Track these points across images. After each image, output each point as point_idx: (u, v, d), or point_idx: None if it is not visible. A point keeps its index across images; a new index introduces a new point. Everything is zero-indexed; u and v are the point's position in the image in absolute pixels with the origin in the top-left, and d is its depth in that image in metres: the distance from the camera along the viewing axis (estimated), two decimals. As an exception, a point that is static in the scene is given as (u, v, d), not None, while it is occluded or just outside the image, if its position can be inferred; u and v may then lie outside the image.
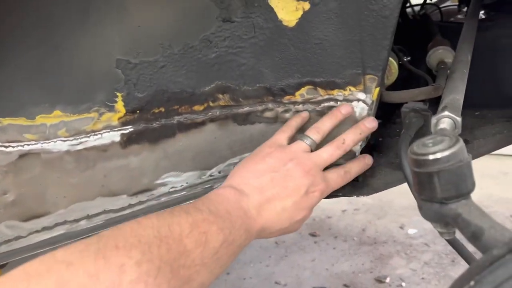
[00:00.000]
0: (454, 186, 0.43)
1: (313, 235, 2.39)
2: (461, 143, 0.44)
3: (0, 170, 0.65)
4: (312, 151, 0.71)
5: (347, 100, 0.73)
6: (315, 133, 0.71)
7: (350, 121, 0.74)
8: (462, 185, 0.44)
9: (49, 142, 0.67)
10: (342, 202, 2.64)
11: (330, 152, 0.70)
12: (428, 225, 2.48)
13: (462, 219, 0.42)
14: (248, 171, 0.66)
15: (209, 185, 0.80)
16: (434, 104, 0.76)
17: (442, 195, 0.44)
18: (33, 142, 0.66)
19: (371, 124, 0.73)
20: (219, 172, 0.80)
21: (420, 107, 0.71)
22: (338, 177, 0.71)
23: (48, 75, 0.65)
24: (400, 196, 2.58)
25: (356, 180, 0.82)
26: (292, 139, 0.73)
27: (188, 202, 0.79)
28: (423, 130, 0.72)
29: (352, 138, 0.72)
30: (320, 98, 0.74)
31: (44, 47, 0.64)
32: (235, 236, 0.56)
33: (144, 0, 0.68)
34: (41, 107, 0.66)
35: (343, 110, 0.73)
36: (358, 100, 0.73)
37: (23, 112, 0.65)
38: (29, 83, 0.64)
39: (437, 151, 0.44)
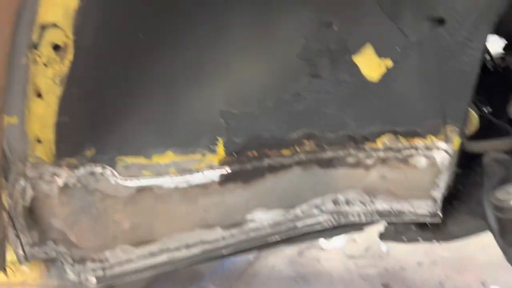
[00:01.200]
0: (539, 232, 0.46)
1: (385, 286, 2.31)
2: (544, 191, 0.47)
3: (121, 201, 0.78)
4: None
5: (428, 149, 0.78)
6: None
7: (432, 170, 0.78)
8: (547, 231, 0.46)
9: (162, 179, 0.79)
10: (417, 252, 2.53)
11: None
12: (514, 283, 2.26)
13: (548, 263, 0.44)
14: None
15: (292, 224, 0.87)
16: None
17: (527, 240, 0.47)
18: (149, 178, 0.78)
19: None
20: (302, 212, 0.87)
21: (503, 158, 0.74)
22: None
23: (165, 122, 0.78)
24: (482, 251, 2.42)
25: (436, 226, 0.85)
26: None
27: (275, 238, 0.87)
28: (506, 180, 0.73)
29: None
30: (401, 146, 0.80)
31: (163, 99, 0.77)
32: None
33: (246, 60, 0.79)
34: (157, 148, 0.78)
35: None
36: (439, 149, 0.77)
37: (143, 152, 0.78)
38: (149, 129, 0.77)
39: (520, 198, 0.47)
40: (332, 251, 2.66)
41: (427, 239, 0.84)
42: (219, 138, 0.81)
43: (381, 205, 0.85)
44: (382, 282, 2.35)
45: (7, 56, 0.63)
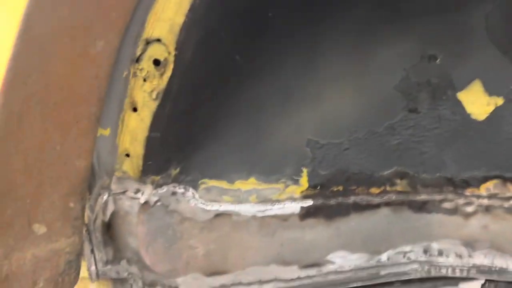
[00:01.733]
0: None
1: None
2: None
3: (198, 226, 0.74)
4: None
5: (543, 199, 0.69)
6: None
7: None
8: None
9: (241, 206, 0.75)
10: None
11: None
12: None
13: None
14: None
15: (375, 271, 0.79)
16: None
17: None
18: (229, 204, 0.75)
19: None
20: (388, 259, 0.79)
21: None
22: None
23: (250, 149, 0.75)
24: None
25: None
26: None
27: (353, 285, 0.79)
28: None
29: None
30: (509, 194, 0.71)
31: (250, 127, 0.75)
32: None
33: (338, 90, 0.76)
34: (240, 174, 0.75)
35: None
36: (557, 200, 0.67)
37: (225, 176, 0.75)
38: (234, 154, 0.75)
39: None
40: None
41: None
42: (303, 169, 0.76)
43: (481, 259, 0.75)
44: None
45: (110, 68, 0.64)
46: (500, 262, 0.74)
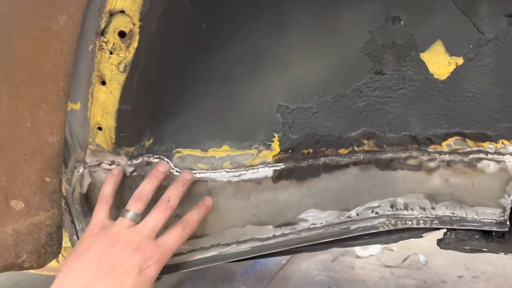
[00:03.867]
0: None
1: (425, 298, 2.23)
2: None
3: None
4: (138, 222, 0.68)
5: (498, 153, 0.73)
6: (135, 203, 0.68)
7: (502, 176, 0.73)
8: None
9: (216, 172, 0.78)
10: (458, 266, 2.44)
11: (156, 218, 0.67)
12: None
13: None
14: (69, 271, 0.63)
15: (346, 226, 0.84)
16: None
17: None
18: (204, 171, 0.77)
19: (189, 176, 0.74)
20: (357, 214, 0.83)
21: None
22: (175, 237, 0.68)
23: (222, 116, 0.77)
24: (529, 268, 2.31)
25: (501, 236, 0.80)
26: (114, 209, 0.70)
27: (324, 240, 0.84)
28: None
29: (175, 193, 0.70)
30: (468, 150, 0.75)
31: (221, 94, 0.76)
32: None
33: (305, 54, 0.77)
34: (213, 142, 0.77)
35: (161, 168, 0.72)
36: (511, 154, 0.72)
37: (199, 145, 0.77)
38: (206, 122, 0.76)
39: None
40: (368, 259, 2.60)
41: (492, 250, 0.79)
42: (275, 134, 0.79)
43: (443, 211, 0.80)
44: (421, 294, 2.27)
45: (75, 42, 0.64)
46: (459, 212, 0.79)
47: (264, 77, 0.77)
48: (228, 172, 0.78)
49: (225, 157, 0.78)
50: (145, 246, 0.65)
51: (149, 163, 0.75)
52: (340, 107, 0.79)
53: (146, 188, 0.70)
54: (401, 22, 0.73)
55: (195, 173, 0.77)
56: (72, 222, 0.77)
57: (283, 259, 2.68)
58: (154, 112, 0.73)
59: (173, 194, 0.70)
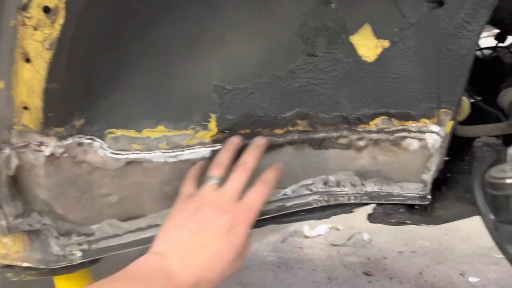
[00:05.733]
0: (531, 209, 0.47)
1: (367, 274, 2.35)
2: (538, 170, 0.48)
3: (109, 174, 0.76)
4: (220, 187, 0.71)
5: (420, 132, 0.78)
6: (216, 169, 0.72)
7: (424, 153, 0.78)
8: (540, 209, 0.47)
9: (151, 153, 0.77)
10: (398, 242, 2.58)
11: (236, 180, 0.70)
12: (491, 274, 2.35)
13: (539, 240, 0.45)
14: (166, 233, 0.67)
15: (282, 203, 0.87)
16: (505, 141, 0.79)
17: (519, 217, 0.47)
18: (138, 152, 0.77)
19: (262, 140, 0.78)
20: (292, 192, 0.86)
21: (494, 142, 0.74)
22: (257, 194, 0.71)
23: (157, 96, 0.76)
24: (461, 242, 2.49)
25: (424, 209, 0.85)
26: (200, 182, 0.74)
27: (262, 217, 0.86)
28: (496, 164, 0.74)
29: (251, 156, 0.75)
30: (394, 129, 0.80)
31: (157, 72, 0.75)
32: None
33: (241, 36, 0.78)
34: (148, 122, 0.76)
35: (235, 140, 0.78)
36: (432, 132, 0.77)
37: (133, 125, 0.76)
38: (141, 101, 0.75)
39: (515, 175, 0.48)
40: (315, 239, 2.69)
41: (415, 222, 0.85)
42: (211, 114, 0.79)
43: (371, 187, 0.85)
44: (364, 270, 2.38)
45: (-5, 16, 0.61)
46: (386, 188, 0.84)
47: (201, 57, 0.77)
48: (164, 152, 0.78)
49: (161, 137, 0.77)
50: (230, 207, 0.68)
51: (80, 144, 0.73)
52: (275, 88, 0.80)
53: (223, 156, 0.75)
54: (332, 5, 0.75)
55: (130, 154, 0.76)
56: (0, 206, 0.74)
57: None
58: (85, 91, 0.71)
59: (249, 157, 0.74)
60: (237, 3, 0.74)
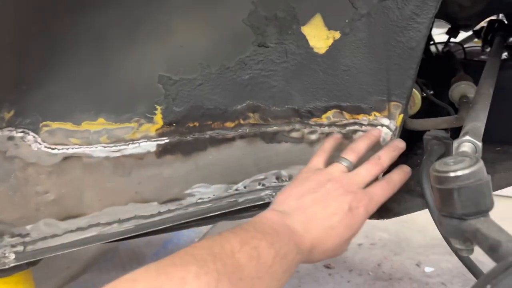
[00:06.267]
0: (473, 203, 0.46)
1: (327, 267, 2.37)
2: (481, 163, 0.47)
3: (45, 170, 0.71)
4: (349, 171, 0.71)
5: (371, 125, 0.77)
6: (350, 153, 0.72)
7: (375, 147, 0.77)
8: (481, 203, 0.46)
9: (91, 147, 0.73)
10: (358, 236, 2.60)
11: (368, 170, 0.70)
12: (445, 264, 2.42)
13: (480, 234, 0.44)
14: (288, 195, 0.67)
15: (234, 199, 0.84)
16: (455, 135, 0.79)
17: (462, 211, 0.47)
18: (77, 146, 0.72)
19: (402, 144, 0.76)
20: (245, 187, 0.84)
21: (442, 135, 0.74)
22: (381, 190, 0.70)
23: (96, 86, 0.71)
24: (418, 234, 2.55)
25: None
26: (328, 162, 0.74)
27: (213, 214, 0.83)
28: (444, 157, 0.74)
29: (387, 155, 0.73)
30: (345, 122, 0.78)
31: (94, 61, 0.70)
32: (285, 250, 0.57)
33: (187, 23, 0.74)
34: (87, 114, 0.72)
35: (375, 132, 0.76)
36: (382, 125, 0.76)
37: (70, 117, 0.71)
38: (78, 92, 0.70)
39: (458, 169, 0.47)
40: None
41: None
42: (157, 106, 0.75)
43: (324, 181, 0.83)
44: (324, 263, 2.40)
45: None
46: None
47: (143, 44, 0.72)
48: (105, 147, 0.74)
49: (101, 130, 0.73)
50: (355, 190, 0.67)
51: (11, 138, 0.67)
52: (225, 79, 0.77)
53: (360, 144, 0.73)
54: None
55: (68, 149, 0.71)
56: None
57: (195, 237, 2.67)
58: (14, 81, 0.66)
59: (384, 155, 0.72)
60: None
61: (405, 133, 0.81)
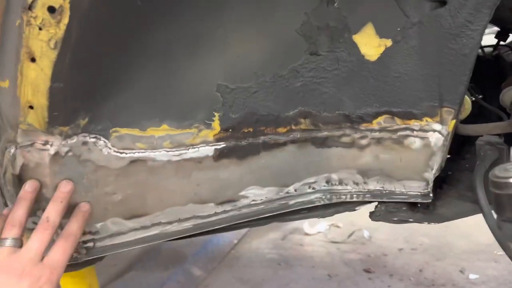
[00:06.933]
0: (534, 208, 0.47)
1: (367, 271, 2.36)
2: (541, 169, 0.49)
3: (113, 173, 0.76)
4: (20, 246, 0.67)
5: (423, 130, 0.79)
6: (10, 229, 0.67)
7: (426, 151, 0.79)
8: (543, 207, 0.47)
9: (155, 152, 0.78)
10: (398, 240, 2.58)
11: (39, 239, 0.67)
12: (491, 271, 2.35)
13: (542, 238, 0.45)
14: None
15: (285, 202, 0.87)
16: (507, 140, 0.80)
17: (522, 216, 0.48)
18: (142, 151, 0.77)
19: (66, 188, 0.72)
20: (295, 190, 0.87)
21: (496, 140, 0.75)
22: (62, 252, 0.68)
23: (161, 95, 0.76)
24: (461, 239, 2.50)
25: (426, 207, 0.86)
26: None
27: (265, 215, 0.87)
28: (498, 162, 0.75)
29: (55, 211, 0.70)
30: (396, 127, 0.80)
31: (160, 73, 0.75)
32: None
33: (243, 35, 0.78)
34: (152, 121, 0.77)
35: (29, 187, 0.70)
36: (434, 131, 0.77)
37: (137, 124, 0.76)
38: (144, 101, 0.76)
39: (518, 175, 0.48)
40: (315, 236, 2.70)
41: (417, 220, 0.86)
42: (215, 113, 0.80)
43: (374, 185, 0.85)
44: (364, 267, 2.39)
45: (1, 17, 0.61)
46: (389, 186, 0.85)
47: (203, 56, 0.77)
48: (168, 151, 0.79)
49: (164, 136, 0.78)
50: (31, 269, 0.64)
51: (85, 143, 0.73)
52: (278, 87, 0.81)
53: (17, 213, 0.69)
54: (335, 5, 0.76)
55: (134, 153, 0.77)
56: (5, 204, 0.74)
57: (234, 239, 2.72)
58: (90, 91, 0.71)
59: (52, 213, 0.70)
60: (240, 3, 0.74)
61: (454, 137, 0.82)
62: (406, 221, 0.86)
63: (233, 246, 2.65)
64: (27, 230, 0.73)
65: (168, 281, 2.28)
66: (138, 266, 2.44)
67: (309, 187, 0.86)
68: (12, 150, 0.71)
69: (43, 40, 0.63)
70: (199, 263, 2.50)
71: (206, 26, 0.75)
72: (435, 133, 0.77)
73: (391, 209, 0.87)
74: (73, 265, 0.81)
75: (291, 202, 0.87)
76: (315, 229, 2.69)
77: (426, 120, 0.77)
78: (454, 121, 0.76)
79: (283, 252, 2.57)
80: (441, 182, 0.92)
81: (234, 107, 0.80)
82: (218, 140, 0.81)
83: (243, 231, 2.73)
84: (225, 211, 0.84)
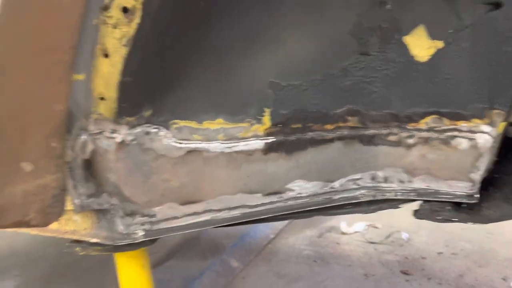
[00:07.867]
0: None
1: (405, 273, 2.34)
2: None
3: (171, 161, 0.82)
4: None
5: (471, 131, 0.79)
6: None
7: (473, 152, 0.79)
8: None
9: (210, 143, 0.83)
10: (438, 243, 2.54)
11: None
12: (536, 281, 2.25)
13: None
14: None
15: (329, 196, 0.90)
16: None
17: None
18: (199, 142, 0.83)
19: None
20: (340, 186, 0.90)
21: (546, 144, 0.75)
22: None
23: (217, 90, 0.82)
24: (504, 246, 2.42)
25: (470, 208, 0.87)
26: None
27: (309, 208, 0.90)
28: (548, 166, 0.75)
29: None
30: (444, 127, 0.81)
31: (217, 69, 0.80)
32: None
33: (296, 35, 0.82)
34: (208, 114, 0.82)
35: None
36: (483, 132, 0.78)
37: (195, 117, 0.82)
38: (203, 96, 0.81)
39: None
40: (353, 235, 2.69)
41: (461, 220, 0.87)
42: (266, 109, 0.84)
43: (419, 184, 0.87)
44: (401, 269, 2.37)
45: (81, 17, 0.68)
46: (434, 185, 0.86)
47: (258, 54, 0.81)
48: (221, 143, 0.84)
49: (219, 129, 0.83)
50: None
51: (148, 133, 0.80)
52: (327, 85, 0.84)
53: None
54: (387, 7, 0.78)
55: (191, 143, 0.83)
56: (75, 186, 0.82)
57: (270, 233, 2.76)
58: (154, 85, 0.78)
59: None
60: (295, 5, 0.78)
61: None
62: (450, 221, 0.87)
63: (270, 240, 2.70)
64: (90, 210, 0.80)
65: (206, 270, 2.35)
66: (177, 254, 2.53)
67: (354, 183, 0.89)
68: (84, 137, 0.78)
69: (116, 37, 0.69)
70: (236, 254, 2.57)
71: (262, 25, 0.79)
72: (484, 135, 0.78)
73: (435, 208, 0.89)
74: (130, 245, 0.88)
75: (336, 197, 0.90)
76: (352, 228, 2.69)
77: (475, 122, 0.78)
78: (504, 123, 0.76)
79: (319, 249, 2.58)
80: (487, 184, 0.92)
81: (284, 104, 0.84)
82: (268, 134, 0.85)
83: (280, 226, 2.77)
84: (271, 202, 0.89)
